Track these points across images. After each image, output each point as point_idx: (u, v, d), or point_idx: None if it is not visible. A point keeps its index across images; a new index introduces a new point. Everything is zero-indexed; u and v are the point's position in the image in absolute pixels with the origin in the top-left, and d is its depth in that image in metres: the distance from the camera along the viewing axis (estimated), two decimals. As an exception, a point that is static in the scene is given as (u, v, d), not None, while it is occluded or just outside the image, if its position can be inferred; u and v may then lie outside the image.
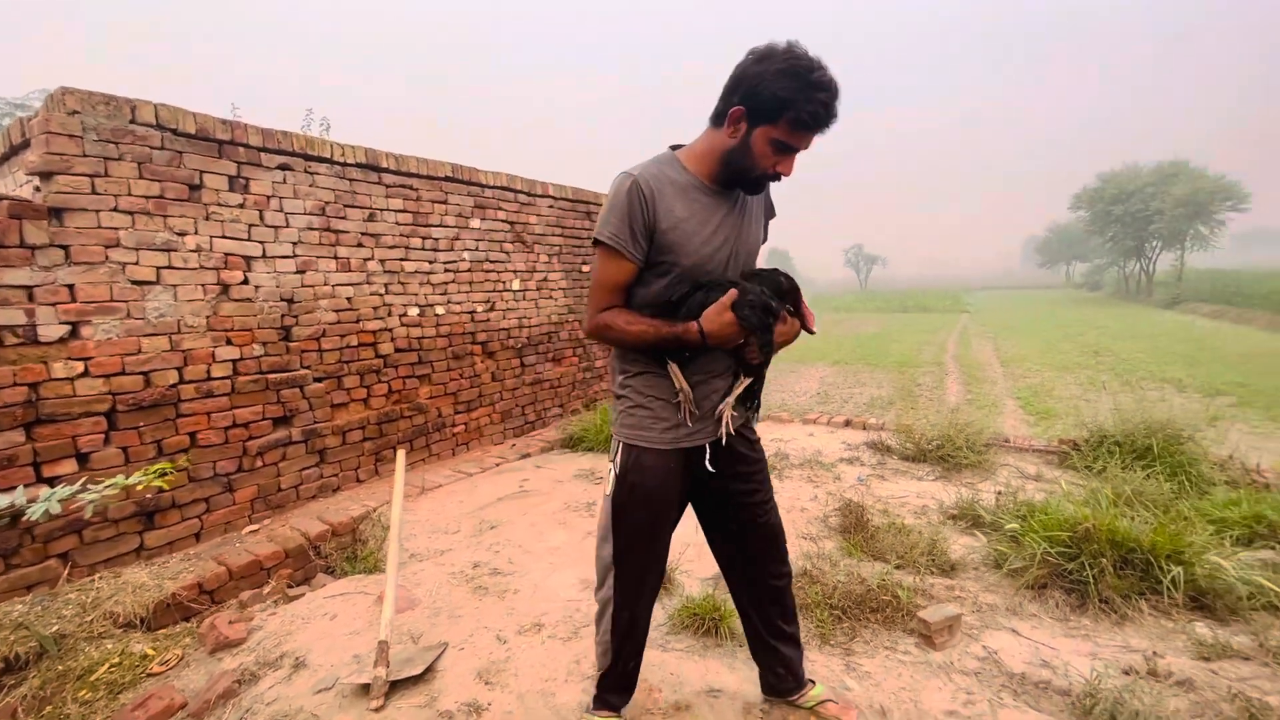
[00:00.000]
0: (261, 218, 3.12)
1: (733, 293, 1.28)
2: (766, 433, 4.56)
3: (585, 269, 5.38)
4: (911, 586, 2.27)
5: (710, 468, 1.46)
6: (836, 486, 3.49)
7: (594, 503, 3.33)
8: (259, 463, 3.12)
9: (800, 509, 3.15)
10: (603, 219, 1.35)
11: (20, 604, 2.22)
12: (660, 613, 2.23)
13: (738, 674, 1.88)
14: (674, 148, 1.43)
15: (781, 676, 1.69)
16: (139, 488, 1.75)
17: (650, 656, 1.98)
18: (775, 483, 2.99)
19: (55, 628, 2.12)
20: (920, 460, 3.95)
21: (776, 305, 1.32)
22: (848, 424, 4.94)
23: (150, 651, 2.15)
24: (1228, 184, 31.93)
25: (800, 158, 1.35)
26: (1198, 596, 2.13)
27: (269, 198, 3.15)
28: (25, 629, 2.06)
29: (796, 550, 2.51)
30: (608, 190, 1.37)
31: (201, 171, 2.87)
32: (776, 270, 1.42)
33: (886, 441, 4.25)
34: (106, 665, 2.05)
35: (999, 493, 3.06)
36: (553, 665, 1.95)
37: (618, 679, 1.62)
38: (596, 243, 1.37)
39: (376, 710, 1.75)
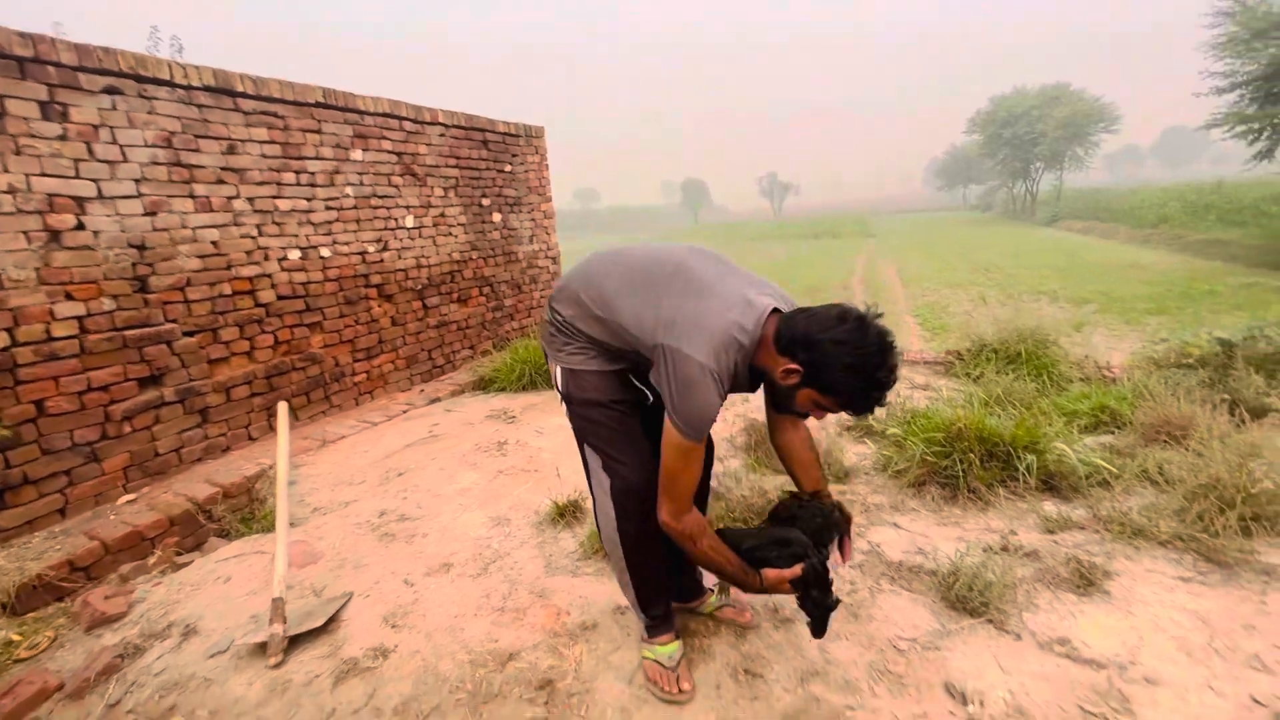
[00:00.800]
0: (90, 151, 2.70)
1: (798, 569, 1.37)
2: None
3: (486, 202, 5.11)
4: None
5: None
6: (744, 408, 3.62)
7: (505, 442, 3.30)
8: (127, 428, 2.85)
9: (709, 432, 3.25)
10: (697, 421, 1.26)
11: None
12: (571, 541, 2.28)
13: (644, 590, 1.95)
14: (773, 312, 1.31)
15: (681, 582, 1.77)
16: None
17: (559, 582, 2.03)
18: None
19: (-107, 625, 1.90)
20: (822, 378, 4.14)
21: (834, 601, 1.41)
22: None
23: (16, 637, 1.97)
24: (1101, 106, 34.32)
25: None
26: (1048, 480, 2.40)
27: (97, 127, 2.72)
28: None
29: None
30: (689, 374, 1.24)
31: (2, 96, 2.43)
32: (836, 510, 1.49)
33: (792, 362, 4.42)
34: (-37, 658, 1.87)
35: (889, 403, 3.28)
36: (462, 602, 1.96)
37: (651, 594, 1.58)
38: (682, 433, 1.28)
39: (275, 667, 1.70)
